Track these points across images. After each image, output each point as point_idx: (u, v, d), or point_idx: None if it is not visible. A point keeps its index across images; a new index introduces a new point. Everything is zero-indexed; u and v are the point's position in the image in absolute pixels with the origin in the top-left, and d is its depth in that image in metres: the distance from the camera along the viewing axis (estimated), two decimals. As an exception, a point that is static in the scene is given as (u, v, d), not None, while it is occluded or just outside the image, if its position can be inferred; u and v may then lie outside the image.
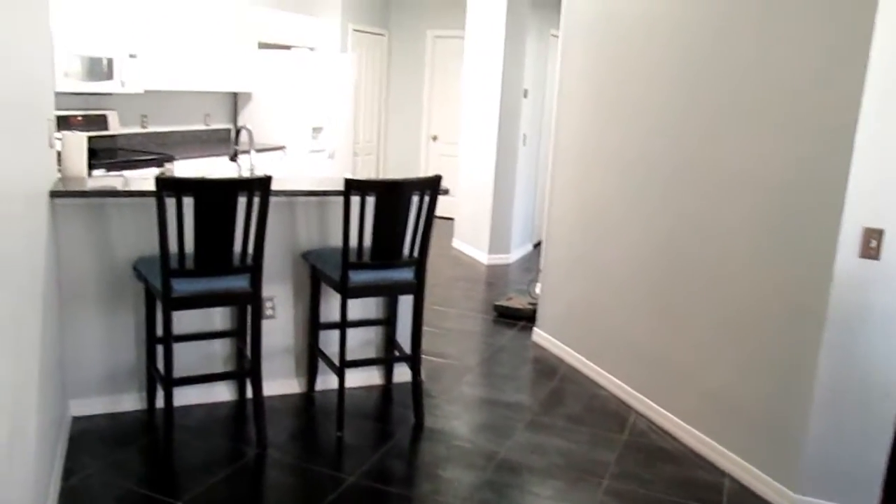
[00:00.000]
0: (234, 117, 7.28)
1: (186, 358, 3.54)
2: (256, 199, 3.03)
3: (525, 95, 6.62)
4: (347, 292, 3.28)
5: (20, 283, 2.23)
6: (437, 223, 8.49)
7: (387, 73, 8.84)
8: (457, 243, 7.38)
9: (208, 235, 2.92)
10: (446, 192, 3.67)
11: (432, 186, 3.26)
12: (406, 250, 3.35)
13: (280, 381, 3.76)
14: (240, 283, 3.10)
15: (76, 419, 3.39)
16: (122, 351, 3.43)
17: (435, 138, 8.78)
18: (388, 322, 3.91)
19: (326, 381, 3.83)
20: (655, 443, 3.47)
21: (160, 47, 5.85)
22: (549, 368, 4.33)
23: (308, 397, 3.78)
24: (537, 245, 7.51)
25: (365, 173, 8.70)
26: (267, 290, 3.62)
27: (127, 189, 3.18)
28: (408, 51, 8.74)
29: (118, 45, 5.35)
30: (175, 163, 5.70)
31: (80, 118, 5.49)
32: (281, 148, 6.98)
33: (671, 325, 3.54)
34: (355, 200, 3.33)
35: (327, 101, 7.31)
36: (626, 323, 3.87)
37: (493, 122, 6.52)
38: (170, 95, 6.42)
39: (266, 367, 3.67)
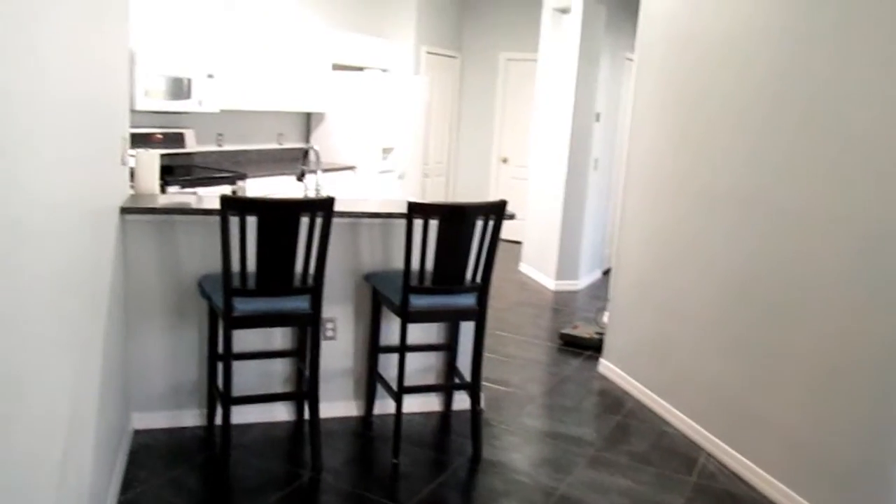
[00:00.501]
0: (307, 137, 7.39)
1: (246, 376, 3.55)
2: (319, 220, 3.01)
3: (597, 119, 6.49)
4: (408, 317, 3.22)
5: (86, 294, 2.26)
6: (504, 246, 8.43)
7: (458, 95, 8.84)
8: (524, 268, 7.26)
9: (270, 255, 2.92)
10: (512, 216, 3.58)
11: (497, 211, 3.18)
12: (469, 276, 3.28)
13: (338, 404, 3.72)
14: (300, 303, 3.08)
15: (137, 432, 3.43)
16: (185, 366, 3.46)
17: (505, 161, 8.72)
18: (448, 348, 3.83)
19: (385, 405, 3.77)
20: (727, 487, 3.27)
21: (237, 68, 5.99)
22: (614, 402, 4.16)
23: (365, 421, 3.72)
24: (606, 272, 7.32)
25: (434, 195, 8.70)
26: (328, 312, 3.60)
27: (193, 207, 3.21)
28: (480, 73, 8.72)
29: (197, 65, 5.50)
30: (247, 181, 5.80)
31: (159, 136, 5.65)
32: (351, 168, 7.03)
33: (749, 366, 3.34)
34: (418, 224, 3.28)
35: (399, 122, 7.34)
36: (700, 359, 3.68)
37: (564, 145, 6.41)
38: (245, 115, 6.56)
39: (324, 388, 3.64)
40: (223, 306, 2.96)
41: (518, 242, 7.93)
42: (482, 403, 3.94)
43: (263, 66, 6.26)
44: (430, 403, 3.89)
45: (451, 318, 3.37)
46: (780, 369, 3.15)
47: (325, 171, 6.67)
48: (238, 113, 6.45)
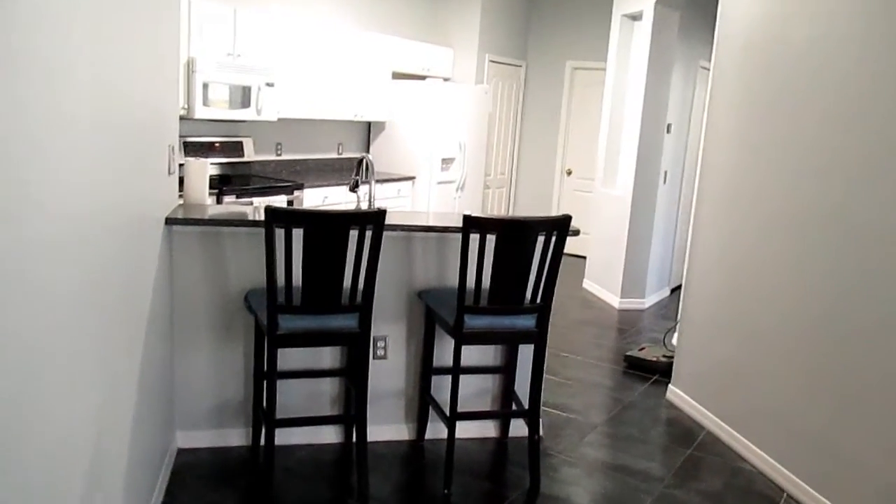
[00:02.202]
0: (367, 146, 7.28)
1: (293, 396, 3.40)
2: (369, 234, 2.84)
3: (668, 130, 6.18)
4: (462, 338, 3.02)
5: (120, 309, 2.13)
6: (567, 261, 8.13)
7: (522, 105, 8.62)
8: (587, 284, 6.97)
9: (317, 271, 2.76)
10: (576, 232, 3.35)
11: (560, 227, 2.95)
12: (528, 296, 3.05)
13: (388, 427, 3.54)
14: (348, 322, 2.91)
15: (181, 451, 3.31)
16: (231, 384, 3.33)
17: (569, 173, 8.44)
18: (506, 370, 3.61)
19: (437, 429, 3.57)
20: (812, 537, 2.95)
21: (296, 76, 5.92)
22: (684, 433, 3.85)
23: (417, 446, 3.53)
24: (675, 290, 6.97)
25: (495, 207, 8.49)
26: (379, 329, 3.43)
27: (239, 218, 3.08)
28: (545, 82, 8.49)
29: (257, 73, 5.44)
30: (304, 190, 5.71)
31: (217, 144, 5.61)
32: (411, 178, 6.89)
33: (835, 399, 3.01)
34: (474, 239, 3.07)
35: (460, 132, 7.17)
36: (779, 389, 3.36)
37: (632, 157, 6.12)
38: (304, 124, 6.49)
39: (374, 410, 3.47)
40: (267, 323, 2.81)
41: (582, 257, 7.65)
42: (541, 430, 3.70)
43: (323, 75, 6.18)
44: (485, 429, 3.67)
45: (509, 341, 3.15)
46: (871, 403, 2.81)
47: (384, 181, 6.55)
48: (297, 122, 6.38)
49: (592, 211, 6.96)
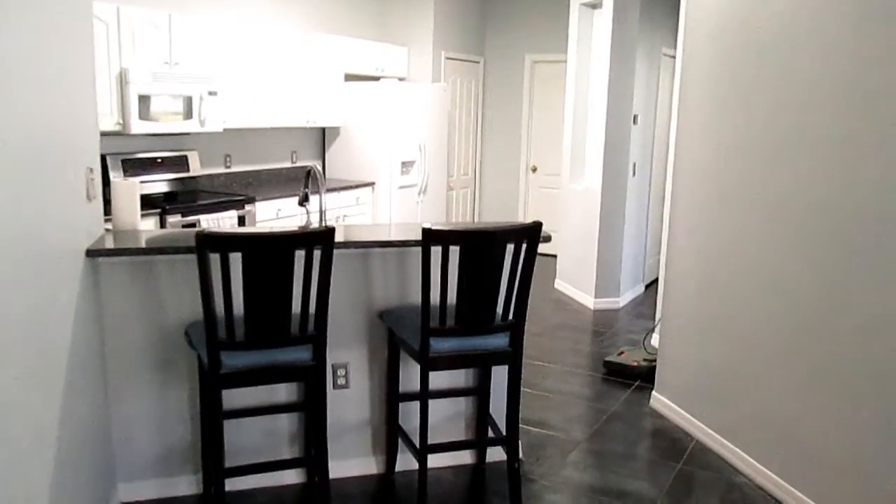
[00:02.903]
0: (323, 153, 6.95)
1: (247, 435, 3.08)
2: (318, 255, 2.53)
3: (634, 122, 5.95)
4: (428, 364, 2.73)
5: (28, 356, 1.81)
6: (537, 261, 7.89)
7: (482, 101, 8.35)
8: (559, 284, 6.72)
9: (261, 300, 2.45)
10: (547, 238, 3.07)
11: (530, 235, 2.67)
12: (499, 312, 2.77)
13: (355, 461, 3.23)
14: (300, 354, 2.61)
15: (124, 505, 2.98)
16: (177, 428, 3.00)
17: (535, 169, 8.20)
18: (479, 392, 3.32)
19: (408, 460, 3.27)
20: (820, 557, 2.71)
21: (241, 83, 5.57)
22: (673, 446, 3.61)
23: (387, 480, 3.23)
24: (650, 285, 6.76)
25: (461, 209, 8.21)
26: (338, 357, 3.13)
27: (171, 244, 2.75)
28: (505, 77, 8.22)
29: (197, 82, 5.08)
30: (256, 204, 5.37)
31: (160, 160, 5.25)
32: (370, 185, 6.58)
33: (834, 406, 2.78)
34: (437, 252, 2.78)
35: (419, 133, 6.87)
36: (771, 395, 3.12)
37: (599, 150, 5.88)
38: (253, 133, 6.14)
39: (338, 444, 3.17)
40: (208, 362, 2.49)
41: (552, 256, 7.40)
42: (520, 453, 3.42)
43: (270, 81, 5.83)
44: (460, 456, 3.38)
45: (481, 363, 2.87)
46: (873, 411, 2.58)
47: (341, 188, 6.23)
48: (245, 131, 6.03)
49: (560, 208, 6.72)
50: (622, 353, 4.70)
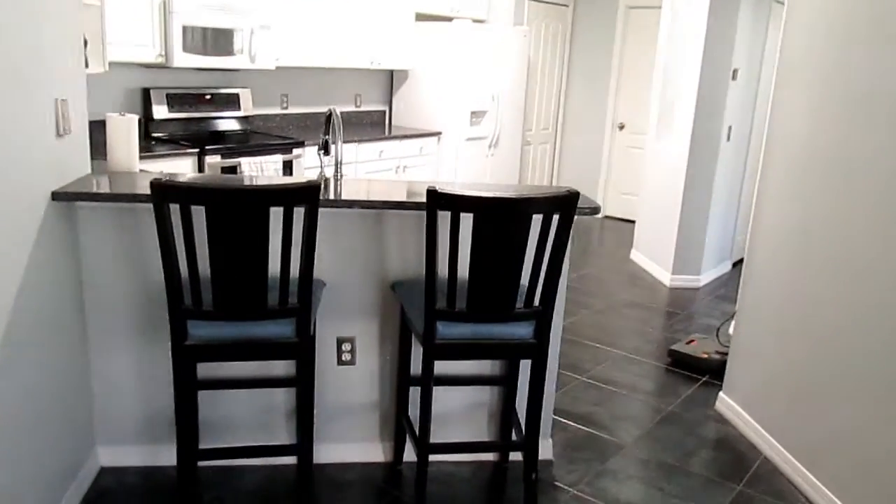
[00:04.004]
0: (390, 98, 6.52)
1: (238, 407, 2.76)
2: (302, 214, 2.12)
3: (734, 77, 5.20)
4: (434, 351, 2.30)
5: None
6: (616, 227, 7.27)
7: (569, 50, 7.67)
8: (635, 256, 6.12)
9: (229, 265, 2.07)
10: (594, 210, 2.56)
11: (563, 206, 2.17)
12: (522, 297, 2.30)
13: (358, 446, 2.87)
14: (281, 329, 2.23)
15: (104, 471, 2.73)
16: (163, 392, 2.71)
17: (622, 127, 7.51)
18: (506, 381, 2.87)
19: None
20: None
21: (298, 18, 5.17)
22: (736, 461, 3.07)
23: (393, 470, 2.85)
24: (738, 263, 6.05)
25: (538, 166, 7.64)
26: (344, 329, 2.74)
27: (134, 192, 2.40)
28: (595, 24, 7.50)
29: (249, 14, 4.72)
30: (305, 148, 5.02)
31: (209, 97, 4.96)
32: (435, 134, 6.12)
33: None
34: (448, 220, 2.32)
35: (493, 81, 6.33)
36: (865, 417, 2.53)
37: (689, 109, 5.19)
38: (313, 73, 5.76)
39: (340, 426, 2.82)
40: (172, 332, 2.15)
41: (631, 222, 6.76)
42: (551, 453, 2.98)
43: (331, 16, 5.41)
44: (480, 437, 2.96)
45: (498, 355, 2.42)
46: None
47: (403, 137, 5.80)
48: (304, 70, 5.66)
49: (644, 170, 6.07)
50: (692, 341, 4.13)
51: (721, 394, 3.51)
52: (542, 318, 2.32)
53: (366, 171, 5.51)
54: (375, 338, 2.79)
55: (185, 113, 4.82)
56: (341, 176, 2.82)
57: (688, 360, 3.97)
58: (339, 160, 2.82)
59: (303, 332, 2.23)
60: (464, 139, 6.18)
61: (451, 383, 2.83)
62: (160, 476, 2.71)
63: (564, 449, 3.08)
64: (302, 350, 2.24)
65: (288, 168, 4.89)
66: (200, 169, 4.42)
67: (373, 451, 2.89)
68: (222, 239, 2.03)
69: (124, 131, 2.76)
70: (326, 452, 2.83)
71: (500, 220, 2.12)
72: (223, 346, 2.20)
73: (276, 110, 5.59)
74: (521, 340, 2.34)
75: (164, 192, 1.97)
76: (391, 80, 6.47)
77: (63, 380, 2.41)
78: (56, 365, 2.34)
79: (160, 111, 4.69)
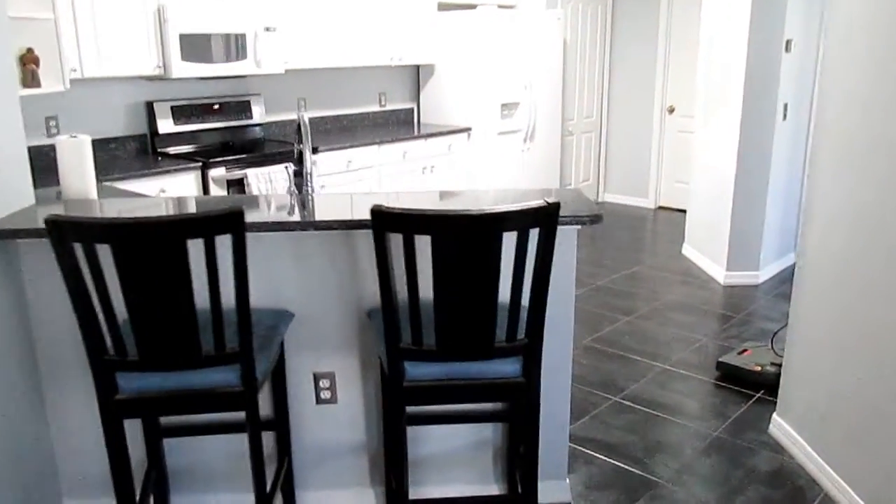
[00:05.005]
0: (417, 95, 6.19)
1: (207, 455, 2.48)
2: (228, 245, 1.81)
3: (787, 49, 4.64)
4: (401, 396, 1.95)
5: None
6: (668, 218, 6.73)
7: (611, 31, 7.16)
8: (687, 250, 5.61)
9: (146, 308, 1.78)
10: (596, 219, 2.16)
11: (543, 221, 1.79)
12: (504, 329, 1.92)
13: (346, 493, 2.56)
14: (222, 376, 1.92)
15: (73, 525, 2.50)
16: (131, 438, 2.45)
17: (672, 110, 6.96)
18: (510, 416, 2.50)
19: (419, 489, 2.55)
20: None
21: (305, 16, 4.89)
22: (791, 498, 2.61)
23: (387, 519, 2.53)
24: (805, 254, 5.46)
25: (581, 157, 7.18)
26: (321, 364, 2.43)
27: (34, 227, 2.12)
28: (639, 1, 6.97)
29: (250, 17, 4.47)
30: (319, 154, 4.74)
31: (216, 106, 4.73)
32: (465, 130, 5.75)
33: None
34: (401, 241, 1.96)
35: (525, 70, 5.92)
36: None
37: (737, 86, 4.66)
38: (330, 74, 5.48)
39: (324, 472, 2.52)
40: (95, 384, 1.88)
41: (682, 211, 6.23)
42: (568, 495, 2.60)
43: (342, 13, 5.11)
44: (487, 488, 2.60)
45: (480, 398, 2.04)
46: None
47: (430, 135, 5.46)
48: (320, 72, 5.39)
49: (693, 156, 5.55)
50: (745, 351, 3.65)
51: (775, 415, 3.04)
52: (530, 353, 1.94)
53: (388, 173, 5.20)
54: (357, 372, 2.46)
55: (193, 125, 4.60)
56: (312, 191, 2.50)
57: (739, 374, 3.50)
58: (307, 172, 2.51)
59: (249, 378, 1.91)
60: (495, 134, 5.79)
61: (448, 420, 2.48)
62: (130, 531, 2.46)
63: (587, 488, 2.69)
64: (248, 400, 1.93)
65: (299, 175, 4.60)
66: (204, 183, 4.20)
67: (364, 498, 2.56)
68: (134, 279, 1.73)
69: (76, 155, 2.51)
70: (310, 500, 2.53)
71: (464, 240, 1.75)
72: (158, 401, 1.91)
73: (293, 116, 5.33)
74: (505, 379, 1.97)
75: (59, 228, 1.68)
76: (417, 76, 6.13)
77: (17, 428, 2.20)
78: (7, 412, 2.12)
79: (165, 125, 4.49)
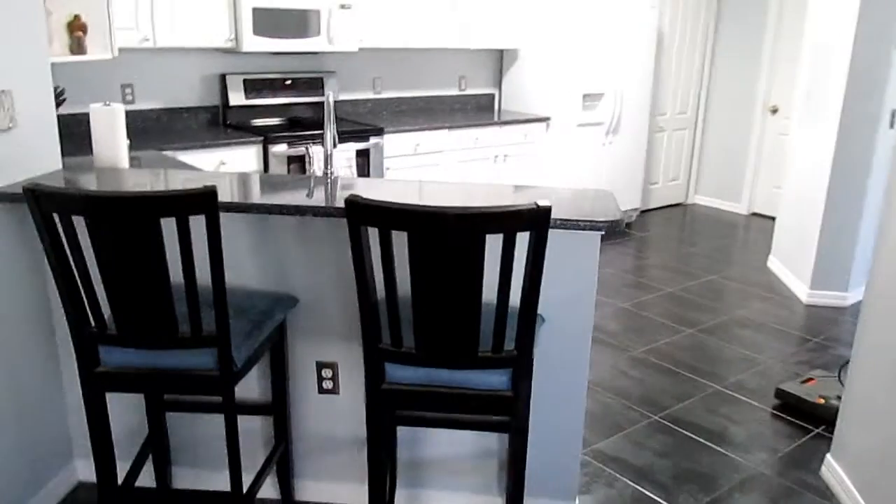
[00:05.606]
0: (500, 81, 6.02)
1: (211, 431, 2.47)
2: (204, 225, 1.75)
3: (901, 47, 4.18)
4: (380, 399, 1.85)
5: None
6: (765, 226, 6.28)
7: (714, 21, 6.72)
8: (773, 263, 5.20)
9: (121, 285, 1.75)
10: (596, 227, 1.98)
11: (533, 224, 1.63)
12: (489, 338, 1.78)
13: (345, 487, 2.49)
14: (198, 359, 1.88)
15: (82, 485, 2.56)
16: (137, 405, 2.48)
17: (774, 111, 6.47)
18: (514, 427, 2.34)
19: (414, 493, 2.45)
20: None
21: (382, -5, 4.82)
22: (828, 552, 2.34)
23: (383, 519, 2.44)
24: (907, 277, 4.95)
25: (672, 155, 6.81)
26: (324, 353, 2.37)
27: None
28: (748, -9, 6.51)
29: (324, -7, 4.44)
30: (385, 136, 4.68)
31: (289, 82, 4.75)
32: (544, 120, 5.54)
33: None
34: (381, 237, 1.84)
35: (611, 59, 5.64)
36: None
37: (839, 88, 4.24)
38: (408, 54, 5.40)
39: (324, 463, 2.47)
40: (77, 356, 1.87)
41: (771, 219, 5.79)
42: (577, 520, 2.42)
43: (419, -8, 5.00)
44: (490, 500, 2.47)
45: (463, 408, 1.90)
46: None
47: (506, 123, 5.30)
48: (398, 52, 5.31)
49: (788, 160, 5.13)
50: (810, 380, 3.33)
51: (828, 455, 2.74)
52: (519, 365, 1.79)
53: (458, 160, 5.07)
54: (360, 364, 2.37)
55: (263, 99, 4.64)
56: (331, 174, 2.42)
57: (799, 405, 3.19)
58: (328, 154, 2.43)
59: (225, 363, 1.86)
60: (575, 125, 5.56)
61: (440, 425, 2.35)
62: (139, 494, 2.50)
63: (602, 514, 2.51)
64: (225, 386, 1.88)
65: (363, 156, 4.57)
66: (265, 158, 4.22)
67: (363, 493, 2.48)
68: (110, 254, 1.70)
69: (108, 123, 2.53)
70: (308, 491, 2.48)
71: (443, 240, 1.62)
72: (136, 376, 1.89)
73: (368, 95, 5.29)
74: (491, 391, 1.82)
75: (38, 199, 1.67)
76: (500, 61, 5.96)
77: (33, 394, 2.28)
78: (25, 373, 2.23)
79: (237, 98, 4.54)
